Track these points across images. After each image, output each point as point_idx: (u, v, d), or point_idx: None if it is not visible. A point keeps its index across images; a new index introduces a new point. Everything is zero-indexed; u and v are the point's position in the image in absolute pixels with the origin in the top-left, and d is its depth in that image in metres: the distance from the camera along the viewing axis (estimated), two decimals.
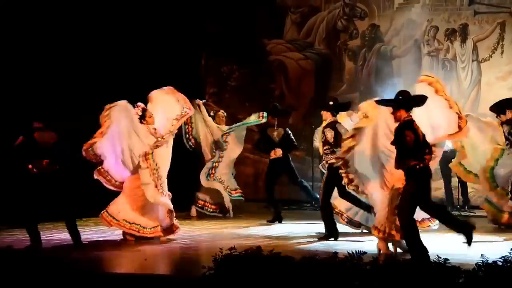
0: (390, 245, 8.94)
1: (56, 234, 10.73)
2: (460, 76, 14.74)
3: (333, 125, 10.25)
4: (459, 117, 8.77)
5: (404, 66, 15.00)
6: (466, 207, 13.24)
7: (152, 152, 10.18)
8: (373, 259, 6.52)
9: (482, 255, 6.62)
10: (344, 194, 10.05)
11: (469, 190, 13.11)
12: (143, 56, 14.30)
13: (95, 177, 10.41)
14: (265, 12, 15.95)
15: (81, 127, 13.19)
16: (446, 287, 6.28)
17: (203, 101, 13.15)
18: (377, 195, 8.85)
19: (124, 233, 10.29)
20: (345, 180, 9.00)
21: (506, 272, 6.28)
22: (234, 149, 12.96)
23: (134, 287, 7.27)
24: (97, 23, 13.71)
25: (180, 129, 11.51)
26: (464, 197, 13.32)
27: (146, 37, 14.36)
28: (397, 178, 8.51)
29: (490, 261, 6.42)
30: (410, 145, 8.05)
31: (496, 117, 11.10)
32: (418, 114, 8.40)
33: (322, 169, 11.05)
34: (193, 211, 12.91)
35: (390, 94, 9.00)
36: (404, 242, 8.52)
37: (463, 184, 12.98)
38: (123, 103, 10.37)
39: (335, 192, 10.31)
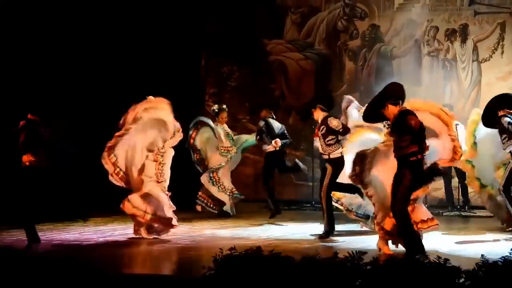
0: (390, 243, 8.93)
1: (56, 235, 10.73)
2: (460, 76, 14.74)
3: (333, 115, 10.25)
4: (455, 151, 8.86)
5: (404, 66, 15.01)
6: (466, 207, 13.25)
7: (164, 150, 10.21)
8: (373, 259, 6.51)
9: (482, 255, 6.61)
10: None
11: (469, 190, 13.10)
12: (144, 56, 14.31)
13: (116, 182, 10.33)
14: (265, 12, 15.96)
15: (81, 127, 13.25)
16: (446, 287, 6.28)
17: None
18: (379, 193, 8.84)
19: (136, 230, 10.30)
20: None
21: (506, 272, 6.27)
22: (236, 158, 13.08)
23: (134, 287, 7.28)
24: (97, 23, 13.71)
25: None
26: (464, 197, 13.33)
27: (146, 38, 14.37)
28: None
29: (490, 261, 6.41)
30: (416, 129, 8.04)
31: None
32: None
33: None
34: (198, 207, 12.93)
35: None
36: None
37: (463, 184, 12.98)
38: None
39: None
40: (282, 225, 11.99)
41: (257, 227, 11.81)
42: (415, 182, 8.16)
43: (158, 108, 10.33)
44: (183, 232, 10.88)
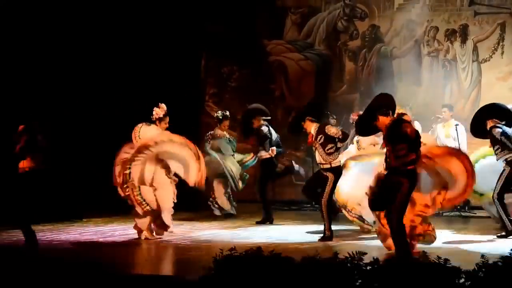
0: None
1: (56, 235, 10.73)
2: (460, 76, 14.74)
3: (328, 124, 10.24)
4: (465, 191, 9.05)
5: (404, 66, 15.01)
6: (466, 208, 13.23)
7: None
8: (373, 260, 6.51)
9: (482, 255, 6.60)
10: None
11: None
12: (144, 56, 14.31)
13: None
14: (265, 13, 15.95)
15: (81, 127, 13.26)
16: (446, 287, 6.28)
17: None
18: None
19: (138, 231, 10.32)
20: None
21: (506, 272, 6.27)
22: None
23: None
24: (97, 24, 13.71)
25: None
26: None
27: (146, 38, 14.36)
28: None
29: (490, 261, 6.41)
30: (412, 136, 8.04)
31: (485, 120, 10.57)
32: None
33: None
34: (217, 211, 12.91)
35: None
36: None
37: None
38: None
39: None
40: (282, 225, 11.99)
41: (257, 227, 11.81)
42: (411, 191, 8.15)
43: (182, 149, 10.25)
44: (183, 232, 10.88)
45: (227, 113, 13.00)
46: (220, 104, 14.93)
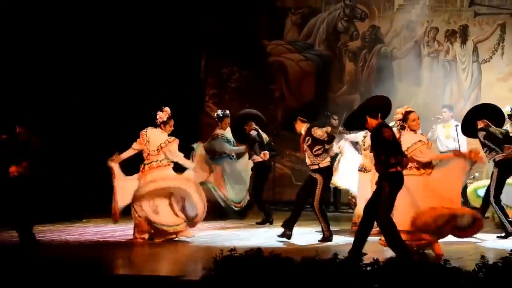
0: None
1: (56, 236, 10.72)
2: (460, 77, 14.75)
3: (316, 125, 10.21)
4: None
5: (404, 67, 15.02)
6: None
7: None
8: (373, 260, 6.51)
9: (482, 256, 6.61)
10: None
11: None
12: (144, 57, 14.31)
13: None
14: (265, 13, 15.96)
15: (81, 127, 13.26)
16: None
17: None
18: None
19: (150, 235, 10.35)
20: None
21: (506, 273, 6.27)
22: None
23: None
24: (97, 24, 13.71)
25: None
26: (465, 198, 13.31)
27: (146, 38, 14.36)
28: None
29: (490, 262, 6.41)
30: (390, 140, 8.04)
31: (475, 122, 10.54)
32: None
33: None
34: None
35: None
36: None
37: (463, 185, 12.97)
38: None
39: None
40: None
41: (257, 228, 11.81)
42: (394, 194, 8.13)
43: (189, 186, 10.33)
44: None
45: (227, 111, 13.00)
46: (220, 105, 14.91)
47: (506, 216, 10.34)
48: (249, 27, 15.77)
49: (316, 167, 10.10)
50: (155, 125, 10.28)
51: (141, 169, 10.24)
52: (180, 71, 14.85)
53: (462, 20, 14.79)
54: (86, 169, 12.79)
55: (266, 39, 15.91)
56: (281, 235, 10.24)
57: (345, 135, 13.58)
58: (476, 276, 6.30)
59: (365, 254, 6.61)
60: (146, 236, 10.14)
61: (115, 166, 10.18)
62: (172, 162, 10.30)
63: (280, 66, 15.85)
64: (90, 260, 8.35)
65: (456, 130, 12.73)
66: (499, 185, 10.33)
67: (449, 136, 12.95)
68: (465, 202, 13.27)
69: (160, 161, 10.22)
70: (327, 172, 10.20)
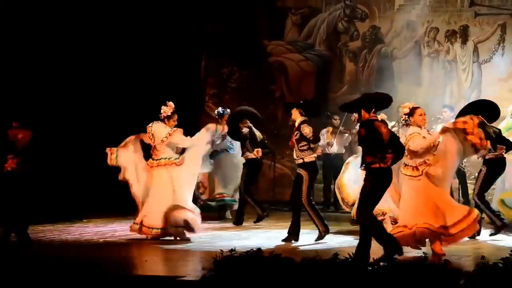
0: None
1: (56, 236, 10.72)
2: (460, 77, 14.75)
3: (307, 122, 10.21)
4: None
5: (404, 67, 15.02)
6: None
7: None
8: (373, 260, 6.51)
9: (482, 257, 6.60)
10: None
11: (470, 191, 13.08)
12: (144, 57, 14.31)
13: None
14: (265, 13, 15.96)
15: (82, 127, 13.26)
16: None
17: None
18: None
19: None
20: None
21: (506, 273, 6.27)
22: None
23: None
24: (97, 24, 13.71)
25: None
26: (465, 198, 13.31)
27: (146, 38, 14.37)
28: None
29: (490, 263, 6.41)
30: (378, 133, 8.04)
31: None
32: None
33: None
34: (228, 213, 12.94)
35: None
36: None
37: (463, 186, 12.97)
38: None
39: None
40: (282, 226, 11.96)
41: (257, 228, 11.80)
42: (376, 190, 8.12)
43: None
44: None
45: (228, 110, 13.00)
46: (220, 105, 14.85)
47: (493, 211, 10.36)
48: (249, 27, 15.77)
49: (301, 161, 10.14)
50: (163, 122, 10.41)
51: (149, 163, 10.35)
52: (180, 71, 14.85)
53: (462, 21, 14.79)
54: (86, 169, 12.79)
55: (266, 39, 15.91)
56: (286, 240, 10.19)
57: (345, 135, 13.60)
58: (476, 277, 6.30)
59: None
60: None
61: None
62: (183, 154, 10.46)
63: (280, 66, 15.86)
64: (90, 260, 8.35)
65: None
66: (486, 184, 10.35)
67: None
68: (465, 202, 13.32)
69: (169, 159, 10.30)
70: (312, 167, 10.19)
